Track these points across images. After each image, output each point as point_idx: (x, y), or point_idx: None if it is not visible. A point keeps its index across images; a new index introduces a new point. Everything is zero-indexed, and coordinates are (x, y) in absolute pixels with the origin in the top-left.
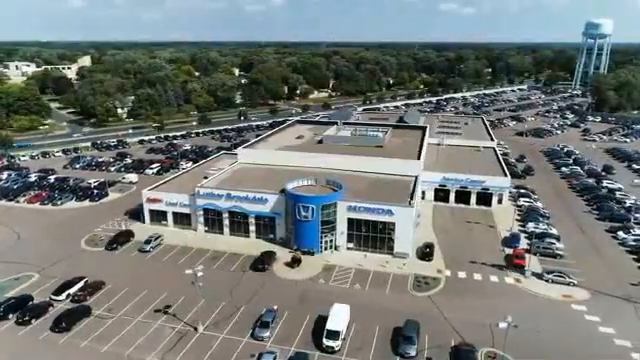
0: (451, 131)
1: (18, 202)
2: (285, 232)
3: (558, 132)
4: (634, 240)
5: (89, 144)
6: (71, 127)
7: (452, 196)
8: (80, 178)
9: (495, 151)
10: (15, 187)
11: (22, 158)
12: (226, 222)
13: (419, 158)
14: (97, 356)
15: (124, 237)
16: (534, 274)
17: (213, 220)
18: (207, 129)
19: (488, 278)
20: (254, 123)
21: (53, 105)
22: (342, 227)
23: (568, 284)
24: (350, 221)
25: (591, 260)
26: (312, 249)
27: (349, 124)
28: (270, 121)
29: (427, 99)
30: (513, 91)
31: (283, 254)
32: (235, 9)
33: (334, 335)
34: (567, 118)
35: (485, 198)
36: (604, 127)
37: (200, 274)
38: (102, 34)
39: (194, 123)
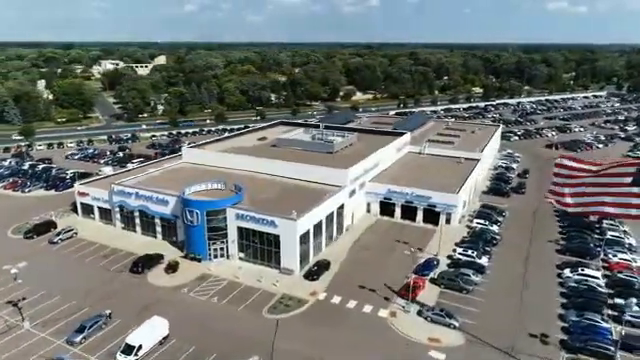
0: (446, 139)
1: None
2: (183, 235)
3: (600, 146)
4: (576, 281)
5: (105, 137)
6: (107, 121)
7: (398, 211)
8: (64, 169)
9: (477, 164)
10: (5, 173)
11: (38, 147)
12: (137, 221)
13: (347, 168)
14: None
15: (45, 227)
16: (420, 308)
17: (127, 218)
18: (221, 127)
19: (361, 307)
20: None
21: (112, 100)
22: (233, 235)
23: (448, 325)
24: (240, 230)
25: (506, 300)
26: (199, 255)
27: (330, 128)
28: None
29: (474, 104)
30: (586, 97)
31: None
32: (332, 10)
33: (129, 350)
34: (626, 130)
35: (434, 216)
36: None
37: (15, 271)
38: (209, 36)
39: (207, 121)
